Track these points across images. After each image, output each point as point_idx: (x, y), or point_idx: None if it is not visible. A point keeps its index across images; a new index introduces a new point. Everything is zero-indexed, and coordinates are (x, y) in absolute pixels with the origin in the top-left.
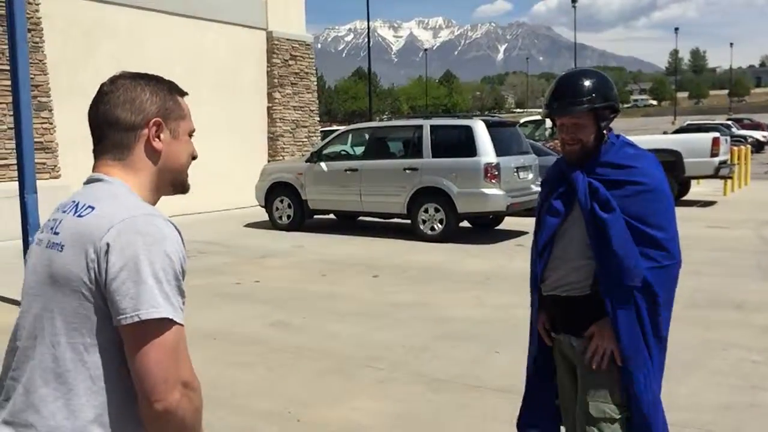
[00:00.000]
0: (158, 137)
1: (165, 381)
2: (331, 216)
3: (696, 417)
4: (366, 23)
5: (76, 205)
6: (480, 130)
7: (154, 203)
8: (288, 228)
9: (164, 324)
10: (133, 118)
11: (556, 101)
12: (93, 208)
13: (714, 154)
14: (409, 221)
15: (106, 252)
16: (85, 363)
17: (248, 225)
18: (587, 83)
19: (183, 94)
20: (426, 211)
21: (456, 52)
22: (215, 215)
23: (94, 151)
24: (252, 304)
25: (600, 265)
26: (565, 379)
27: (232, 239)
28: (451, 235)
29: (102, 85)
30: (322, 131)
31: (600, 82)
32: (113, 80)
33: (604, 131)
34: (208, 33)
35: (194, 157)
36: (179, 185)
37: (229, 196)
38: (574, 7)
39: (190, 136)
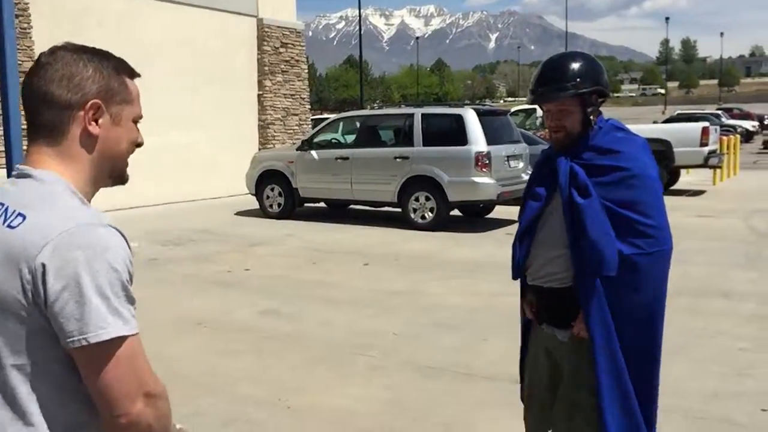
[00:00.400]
0: (95, 121)
1: (126, 395)
2: (322, 204)
3: (684, 404)
4: (357, 11)
5: (5, 210)
6: (471, 118)
7: (91, 196)
8: (278, 216)
9: (116, 342)
10: (70, 97)
11: (541, 87)
12: (24, 216)
13: (703, 144)
14: (399, 210)
15: (43, 273)
16: (36, 386)
17: (239, 213)
18: (573, 67)
19: (134, 75)
20: (417, 199)
21: (447, 41)
22: (205, 203)
23: (27, 133)
24: (242, 292)
25: (574, 252)
26: (541, 368)
27: (222, 227)
28: (441, 223)
29: (40, 56)
30: (312, 119)
31: (587, 65)
32: (53, 51)
33: (591, 117)
34: (198, 20)
35: (139, 145)
36: (117, 176)
37: (220, 184)
38: None
39: (136, 122)
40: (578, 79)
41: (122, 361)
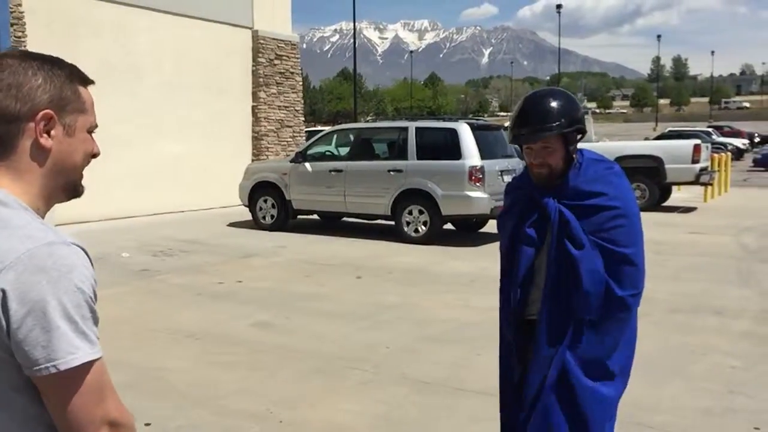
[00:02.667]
0: (47, 133)
1: (90, 423)
2: (315, 216)
3: (676, 421)
4: (352, 24)
5: None
6: (465, 133)
7: (44, 212)
8: (271, 228)
9: (85, 367)
10: (19, 108)
11: (524, 127)
12: None
13: (695, 161)
14: (393, 223)
15: (4, 299)
16: None
17: (231, 224)
18: (555, 107)
19: (87, 82)
20: (410, 213)
21: (441, 55)
22: (198, 214)
23: None
24: (234, 304)
25: (553, 294)
26: None
27: (215, 238)
28: (434, 237)
29: None
30: (306, 131)
31: (567, 104)
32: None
33: (573, 155)
34: (194, 31)
35: (95, 156)
36: (71, 189)
37: (213, 195)
38: (559, 12)
39: (91, 132)
40: (562, 120)
41: (89, 388)
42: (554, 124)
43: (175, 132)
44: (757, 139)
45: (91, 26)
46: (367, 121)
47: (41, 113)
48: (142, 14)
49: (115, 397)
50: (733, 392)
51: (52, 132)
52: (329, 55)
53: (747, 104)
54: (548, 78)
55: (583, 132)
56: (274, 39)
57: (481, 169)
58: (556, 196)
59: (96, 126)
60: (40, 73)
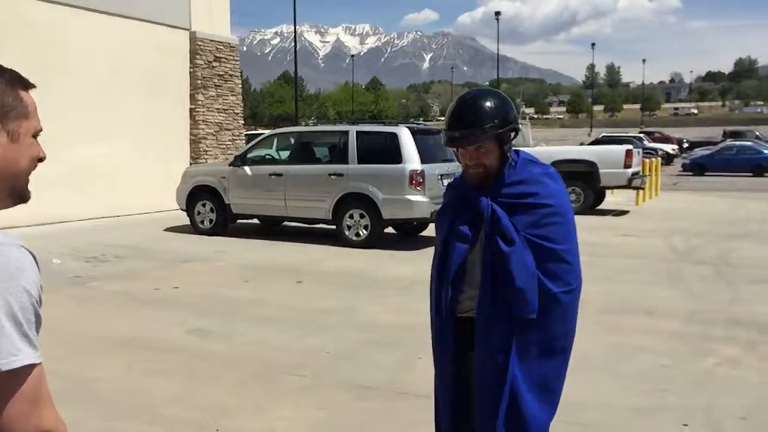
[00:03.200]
0: None
1: (23, 431)
2: (255, 221)
3: (607, 419)
4: (293, 27)
5: None
6: (405, 137)
7: None
8: (210, 232)
9: (25, 371)
10: None
11: (458, 130)
12: None
13: (627, 166)
14: (334, 227)
15: None
16: None
17: (168, 229)
18: (489, 108)
19: (29, 86)
20: (351, 216)
21: (383, 60)
22: (134, 219)
23: None
24: (171, 310)
25: (490, 293)
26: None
27: (151, 244)
28: (375, 241)
29: None
30: (246, 134)
31: (501, 104)
32: None
33: (508, 154)
34: (130, 31)
35: (41, 160)
36: (17, 195)
37: (149, 199)
38: (498, 19)
39: (35, 136)
40: (495, 121)
41: (27, 393)
42: (488, 126)
43: (109, 134)
44: (686, 145)
45: (23, 25)
46: (309, 125)
47: None
48: (77, 14)
49: (52, 406)
50: (663, 390)
51: None
52: (270, 58)
53: (695, 111)
54: (488, 83)
55: (517, 131)
56: (212, 41)
57: (422, 173)
58: (490, 195)
59: (41, 129)
60: None
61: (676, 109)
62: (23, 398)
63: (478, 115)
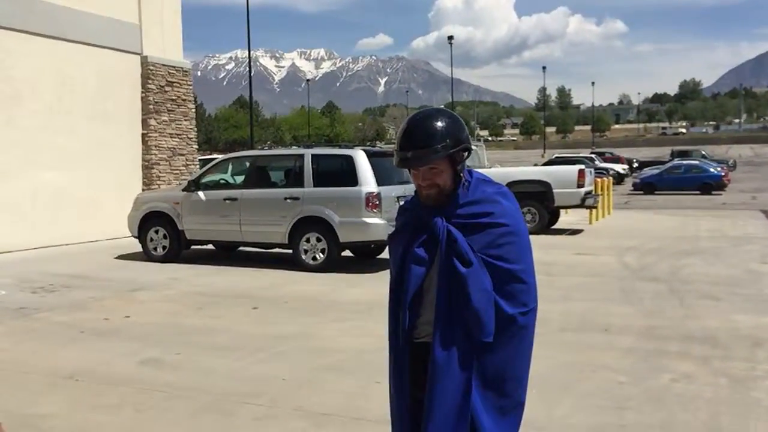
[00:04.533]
0: None
1: None
2: (210, 246)
3: None
4: (247, 52)
5: None
6: (361, 159)
7: None
8: (163, 259)
9: None
10: None
11: (410, 151)
12: None
13: (580, 185)
14: (290, 251)
15: None
16: None
17: (120, 257)
18: (440, 128)
19: None
20: (308, 240)
21: (338, 84)
22: (83, 247)
23: None
24: (121, 341)
25: (446, 316)
26: None
27: (101, 272)
28: (333, 264)
29: None
30: (200, 159)
31: (452, 124)
32: None
33: (461, 174)
34: (76, 56)
35: None
36: None
37: (99, 226)
38: (451, 44)
39: None
40: (447, 140)
41: None
42: (439, 146)
43: (55, 161)
44: (635, 165)
45: None
46: (264, 149)
47: None
48: (19, 38)
49: None
50: (622, 407)
51: None
52: (225, 83)
53: (683, 130)
54: (443, 106)
55: (470, 150)
56: (164, 65)
57: (378, 196)
58: (444, 215)
59: None
60: None
61: (663, 128)
62: None
63: (430, 135)
